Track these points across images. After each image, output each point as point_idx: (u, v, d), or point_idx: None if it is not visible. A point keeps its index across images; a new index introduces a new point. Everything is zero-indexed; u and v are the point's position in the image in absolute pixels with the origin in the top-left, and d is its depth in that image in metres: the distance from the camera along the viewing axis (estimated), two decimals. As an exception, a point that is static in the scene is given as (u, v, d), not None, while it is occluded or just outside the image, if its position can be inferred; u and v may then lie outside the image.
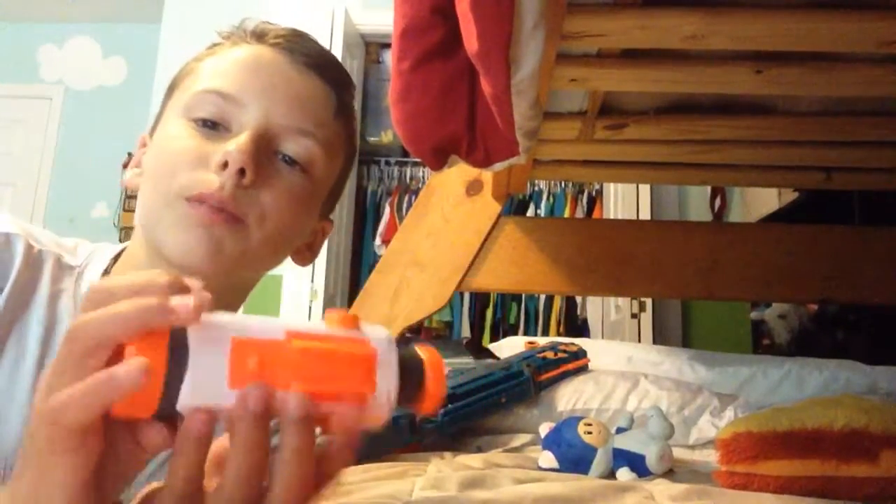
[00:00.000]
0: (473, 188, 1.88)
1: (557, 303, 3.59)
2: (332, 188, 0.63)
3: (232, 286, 0.59)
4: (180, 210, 0.53)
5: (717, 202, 3.10)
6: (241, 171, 0.53)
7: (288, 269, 2.86)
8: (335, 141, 0.61)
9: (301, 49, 0.59)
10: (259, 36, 0.60)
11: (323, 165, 0.59)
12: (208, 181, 0.53)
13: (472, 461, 1.20)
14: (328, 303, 2.88)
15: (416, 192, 3.65)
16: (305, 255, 0.65)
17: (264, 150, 0.55)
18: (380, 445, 1.13)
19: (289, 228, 0.58)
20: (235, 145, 0.53)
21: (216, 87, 0.56)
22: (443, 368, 0.39)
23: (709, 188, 3.09)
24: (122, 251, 0.62)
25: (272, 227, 0.55)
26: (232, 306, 0.61)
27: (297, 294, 2.81)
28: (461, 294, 3.61)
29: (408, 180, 3.95)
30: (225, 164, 0.53)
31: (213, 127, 0.55)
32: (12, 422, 0.55)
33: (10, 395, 0.56)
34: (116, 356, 0.32)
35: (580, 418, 1.24)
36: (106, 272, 0.60)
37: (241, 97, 0.56)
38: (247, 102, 0.56)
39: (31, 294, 0.58)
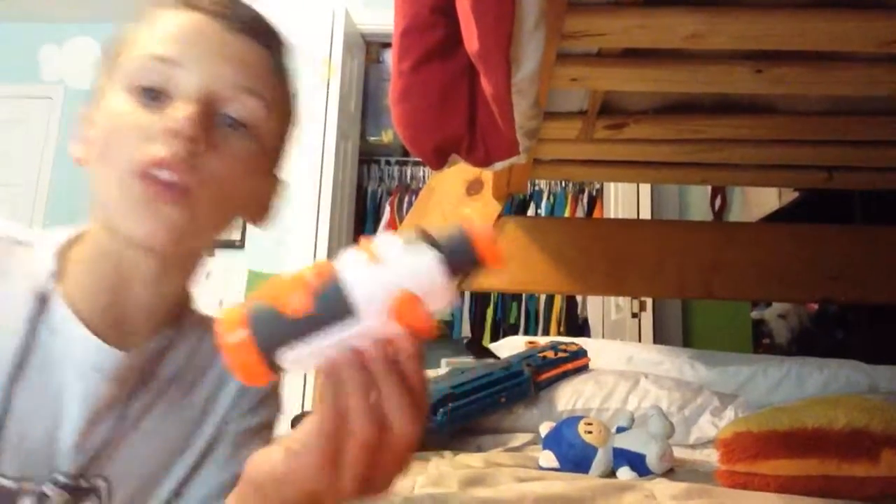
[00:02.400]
0: (474, 188, 1.88)
1: (558, 302, 3.59)
2: (277, 149, 0.64)
3: (188, 252, 0.60)
4: (132, 188, 0.53)
5: (718, 202, 3.10)
6: (189, 140, 0.53)
7: (288, 270, 2.86)
8: (277, 100, 0.61)
9: (235, 14, 0.59)
10: (193, 4, 0.60)
11: (267, 125, 0.59)
12: (155, 151, 0.53)
13: (472, 460, 1.20)
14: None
15: (417, 192, 3.65)
16: (260, 216, 0.65)
17: (210, 115, 0.55)
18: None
19: (238, 191, 0.58)
20: (181, 114, 0.53)
21: (157, 53, 0.56)
22: (487, 231, 0.43)
23: (709, 188, 3.09)
24: (82, 232, 0.61)
25: (221, 193, 0.56)
26: (187, 269, 0.62)
27: (298, 294, 2.82)
28: (462, 293, 3.61)
29: (408, 180, 3.95)
30: (172, 133, 0.53)
31: (155, 98, 0.55)
32: None
33: None
34: None
35: (580, 418, 1.25)
36: (64, 248, 0.59)
37: (183, 61, 0.56)
38: (188, 66, 0.56)
39: None
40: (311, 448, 0.43)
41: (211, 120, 0.55)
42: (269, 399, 0.68)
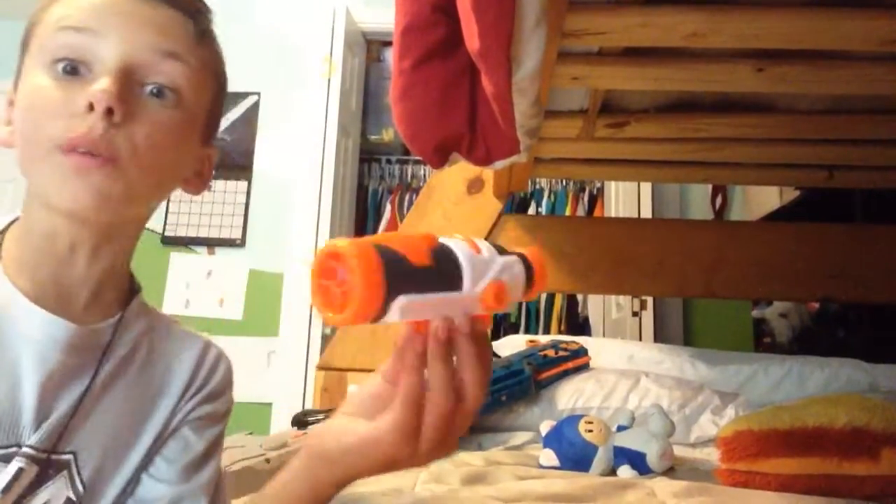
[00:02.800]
0: (474, 186, 1.89)
1: (558, 301, 3.58)
2: (207, 116, 0.63)
3: (123, 223, 0.60)
4: (55, 160, 0.53)
5: (719, 200, 3.09)
6: (109, 111, 0.52)
7: (288, 269, 2.87)
8: (201, 67, 0.60)
9: None
10: None
11: (192, 90, 0.58)
12: (75, 126, 0.52)
13: (472, 458, 1.21)
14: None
15: (418, 191, 3.65)
16: (195, 184, 0.65)
17: (129, 85, 0.54)
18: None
19: (167, 160, 0.58)
20: (99, 86, 0.52)
21: (72, 24, 0.55)
22: (542, 261, 0.49)
23: (710, 186, 3.09)
24: (17, 218, 0.61)
25: (149, 162, 0.55)
26: (127, 240, 0.62)
27: (298, 293, 2.82)
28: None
29: (409, 179, 3.95)
30: (91, 107, 0.52)
31: (73, 72, 0.54)
32: None
33: None
34: None
35: (581, 416, 1.25)
36: (4, 229, 0.60)
37: (99, 28, 0.55)
38: (105, 34, 0.55)
39: None
40: (398, 417, 0.46)
41: (131, 89, 0.55)
42: (227, 389, 0.69)
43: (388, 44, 3.38)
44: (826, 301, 2.39)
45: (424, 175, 3.86)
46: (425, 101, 0.96)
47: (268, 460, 1.08)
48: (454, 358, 0.47)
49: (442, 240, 0.46)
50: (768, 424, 0.97)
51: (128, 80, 0.54)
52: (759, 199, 2.70)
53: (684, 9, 0.91)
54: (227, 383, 0.70)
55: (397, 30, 0.92)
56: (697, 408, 1.49)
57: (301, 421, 1.47)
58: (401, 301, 0.41)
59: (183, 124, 0.58)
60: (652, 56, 1.09)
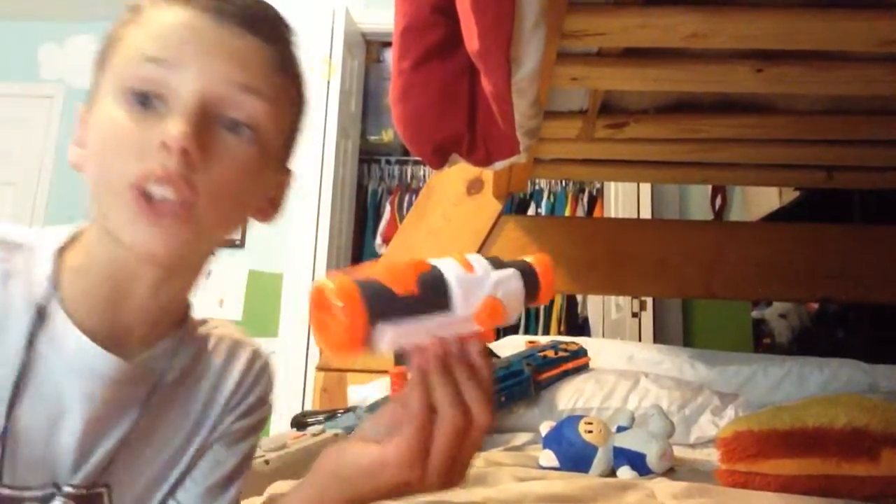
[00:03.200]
0: (474, 187, 1.89)
1: (558, 301, 3.58)
2: (284, 142, 0.61)
3: (189, 259, 0.58)
4: (128, 201, 0.51)
5: (718, 201, 3.09)
6: (183, 153, 0.50)
7: (288, 269, 2.86)
8: (281, 96, 0.57)
9: (230, 9, 0.56)
10: None
11: (270, 123, 0.56)
12: (148, 164, 0.51)
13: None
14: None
15: (417, 191, 3.64)
16: (268, 212, 0.62)
17: (205, 121, 0.52)
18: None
19: (241, 197, 0.56)
20: (174, 126, 0.51)
21: (148, 53, 0.53)
22: (549, 269, 0.50)
23: (709, 187, 3.09)
24: (78, 233, 0.59)
25: (223, 202, 0.53)
26: (192, 273, 0.60)
27: (298, 293, 2.81)
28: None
29: (408, 179, 3.94)
30: (165, 148, 0.50)
31: (147, 104, 0.53)
32: None
33: None
34: None
35: (581, 417, 1.24)
36: (61, 251, 0.57)
37: (177, 61, 0.53)
38: (183, 66, 0.53)
39: None
40: (405, 440, 0.46)
41: (207, 126, 0.53)
42: (261, 403, 0.67)
43: (388, 44, 3.38)
44: (825, 301, 2.39)
45: (424, 176, 3.86)
46: (425, 101, 0.96)
47: (267, 461, 1.08)
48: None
49: (433, 262, 0.46)
50: (768, 425, 0.97)
51: (203, 117, 0.53)
52: (759, 200, 2.70)
53: (683, 10, 0.91)
54: (267, 393, 0.68)
55: (397, 30, 0.92)
56: (697, 408, 1.49)
57: (300, 422, 1.47)
58: (385, 329, 0.43)
59: (258, 158, 0.56)
60: (651, 57, 1.09)
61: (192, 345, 0.63)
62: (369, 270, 0.45)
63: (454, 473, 0.48)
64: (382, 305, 0.43)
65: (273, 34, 0.58)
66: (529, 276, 0.49)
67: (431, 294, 0.45)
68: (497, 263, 0.48)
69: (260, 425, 0.68)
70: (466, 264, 0.47)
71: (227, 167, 0.53)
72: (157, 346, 0.59)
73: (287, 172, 0.63)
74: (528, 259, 0.50)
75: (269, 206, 0.62)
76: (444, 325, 0.46)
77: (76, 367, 0.55)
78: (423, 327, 0.45)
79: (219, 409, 0.64)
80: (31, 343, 0.54)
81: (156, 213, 0.51)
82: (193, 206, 0.52)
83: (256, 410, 0.66)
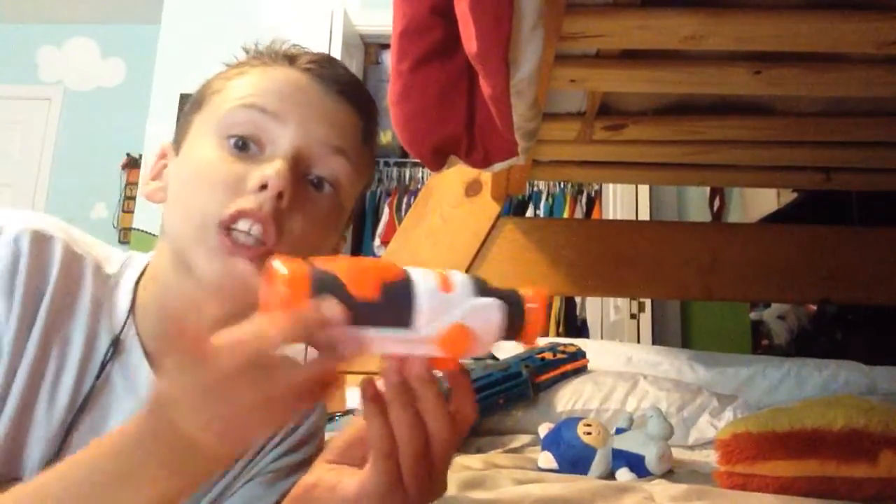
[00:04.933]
0: (472, 189, 1.88)
1: (556, 303, 3.58)
2: (352, 210, 0.64)
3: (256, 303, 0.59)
4: (211, 238, 0.53)
5: (716, 203, 3.09)
6: (277, 194, 0.53)
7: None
8: (361, 165, 0.61)
9: (333, 76, 0.60)
10: (291, 59, 0.61)
11: (349, 185, 0.60)
12: (243, 205, 0.53)
13: (471, 462, 1.20)
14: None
15: (416, 193, 3.64)
16: None
17: (298, 173, 0.56)
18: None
19: (314, 249, 0.57)
20: (274, 169, 0.53)
21: (256, 103, 0.57)
22: (542, 307, 0.45)
23: (708, 189, 3.09)
24: (147, 265, 0.62)
25: (299, 249, 0.54)
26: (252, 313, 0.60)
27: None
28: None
29: (407, 181, 3.95)
30: (262, 187, 0.53)
31: (245, 148, 0.56)
32: (43, 434, 0.54)
33: (50, 408, 0.54)
34: None
35: (579, 419, 1.24)
36: (137, 282, 0.60)
37: (280, 114, 0.56)
38: (285, 119, 0.56)
39: (72, 303, 0.57)
40: (375, 473, 0.44)
41: (299, 177, 0.56)
42: (312, 438, 0.66)
43: (386, 46, 3.39)
44: (824, 303, 2.39)
45: (423, 177, 3.86)
46: (423, 103, 0.96)
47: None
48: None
49: (410, 271, 0.42)
50: (767, 426, 0.97)
51: (297, 168, 0.56)
52: (757, 202, 2.70)
53: (682, 11, 0.91)
54: (320, 427, 0.67)
55: (395, 32, 0.92)
56: (696, 410, 1.49)
57: (299, 424, 1.47)
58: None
59: (335, 216, 0.60)
60: (649, 58, 1.09)
61: None
62: (334, 264, 0.41)
63: (433, 488, 0.46)
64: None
65: (365, 107, 0.63)
66: (515, 311, 0.44)
67: (392, 304, 0.40)
68: (483, 289, 0.44)
69: (309, 461, 0.63)
70: (445, 282, 0.42)
71: (309, 219, 0.56)
72: None
73: (343, 239, 0.66)
74: (522, 291, 0.45)
75: None
76: (399, 342, 0.41)
77: (131, 383, 0.57)
78: (374, 339, 0.41)
79: (259, 443, 0.63)
80: (106, 372, 0.56)
81: (236, 249, 0.53)
82: (270, 252, 0.53)
83: (307, 444, 0.65)
